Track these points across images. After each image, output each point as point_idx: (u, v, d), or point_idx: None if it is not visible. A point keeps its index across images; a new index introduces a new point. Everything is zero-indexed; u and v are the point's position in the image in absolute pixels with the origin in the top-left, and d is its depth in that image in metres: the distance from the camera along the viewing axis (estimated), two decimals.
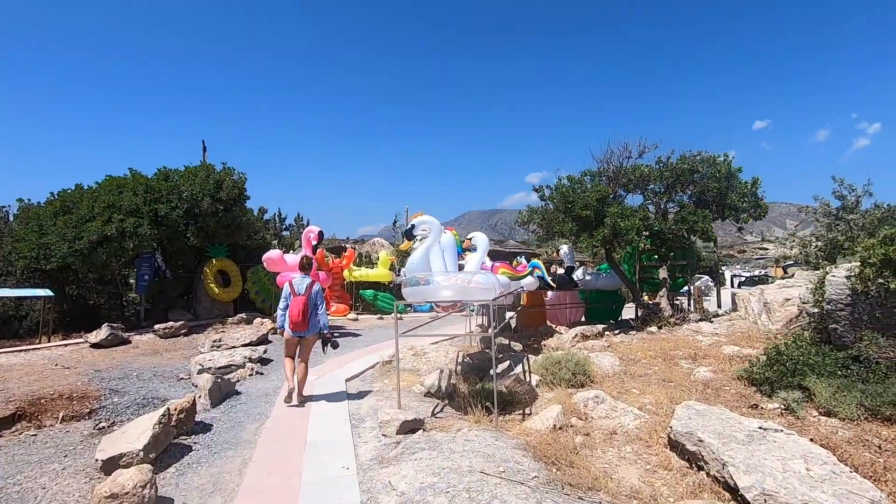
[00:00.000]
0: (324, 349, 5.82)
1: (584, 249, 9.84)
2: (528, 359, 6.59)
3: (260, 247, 14.86)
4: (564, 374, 5.76)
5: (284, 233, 23.96)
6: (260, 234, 16.36)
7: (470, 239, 7.97)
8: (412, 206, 31.19)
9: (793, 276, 9.61)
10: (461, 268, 6.82)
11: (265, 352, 8.37)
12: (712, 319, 9.45)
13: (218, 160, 13.62)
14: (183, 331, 10.87)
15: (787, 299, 7.30)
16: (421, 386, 6.14)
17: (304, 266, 5.87)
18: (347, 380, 6.80)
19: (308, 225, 19.22)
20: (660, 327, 9.25)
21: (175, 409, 4.50)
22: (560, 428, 4.51)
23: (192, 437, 4.65)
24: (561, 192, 9.87)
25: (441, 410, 5.41)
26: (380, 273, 15.54)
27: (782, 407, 4.49)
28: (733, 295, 14.20)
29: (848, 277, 4.82)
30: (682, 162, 10.42)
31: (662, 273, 10.47)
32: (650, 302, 10.89)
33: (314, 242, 9.79)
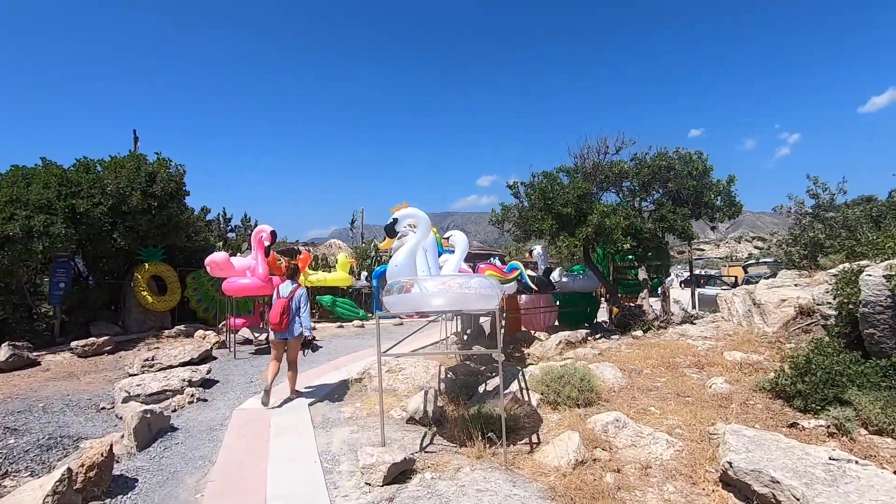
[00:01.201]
0: (303, 351, 5.92)
1: (565, 249, 9.23)
2: (522, 373, 5.81)
3: (202, 249, 13.20)
4: (570, 391, 5.00)
5: (230, 234, 21.95)
6: (202, 234, 14.62)
7: (447, 238, 7.15)
8: (367, 209, 29.93)
9: (774, 275, 9.47)
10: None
11: (209, 372, 7.08)
12: (695, 321, 9.10)
13: (151, 152, 11.90)
14: (107, 347, 9.26)
15: (783, 300, 6.97)
16: (402, 411, 5.20)
17: (291, 273, 6.01)
18: (311, 405, 5.74)
19: (257, 225, 17.63)
20: (645, 331, 8.78)
21: (82, 466, 3.33)
22: (583, 463, 3.75)
23: (109, 500, 3.48)
24: (540, 189, 9.23)
25: (430, 442, 4.51)
26: (338, 277, 14.31)
27: (828, 425, 3.94)
28: (699, 294, 14.23)
29: (888, 277, 4.39)
30: (659, 159, 10.09)
31: (642, 274, 10.07)
32: (629, 304, 10.46)
33: (267, 244, 8.59)
